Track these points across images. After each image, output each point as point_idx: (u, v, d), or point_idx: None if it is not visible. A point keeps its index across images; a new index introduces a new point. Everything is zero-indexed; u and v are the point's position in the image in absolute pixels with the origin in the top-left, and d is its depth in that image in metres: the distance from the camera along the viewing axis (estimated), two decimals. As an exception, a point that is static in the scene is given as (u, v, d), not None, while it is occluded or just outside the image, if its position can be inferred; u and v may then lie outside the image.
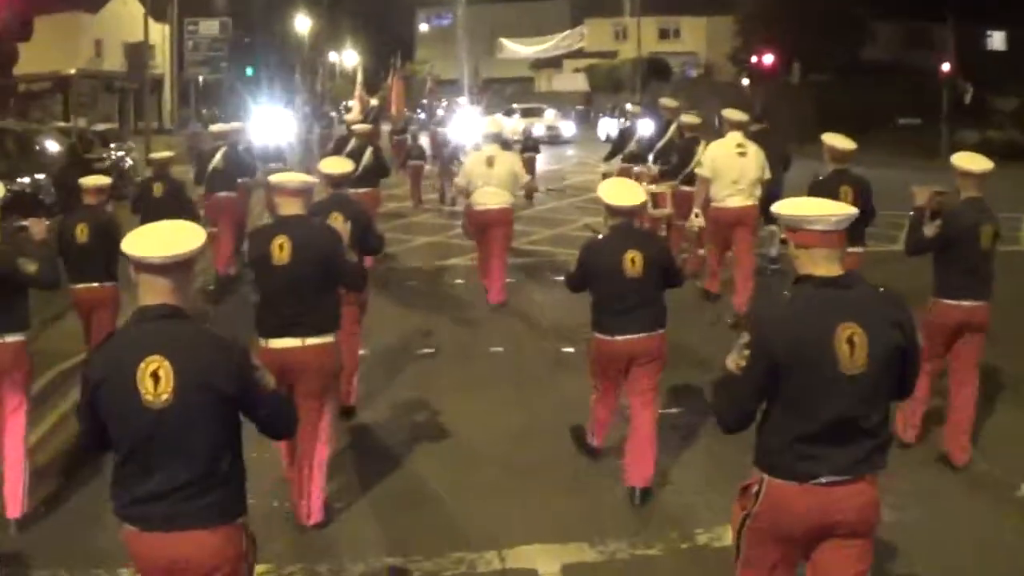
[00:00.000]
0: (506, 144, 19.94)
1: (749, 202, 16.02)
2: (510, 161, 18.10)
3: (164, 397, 5.24)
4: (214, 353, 5.41)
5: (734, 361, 5.84)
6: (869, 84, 58.50)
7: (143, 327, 5.41)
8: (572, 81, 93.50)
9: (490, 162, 17.36)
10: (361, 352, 11.88)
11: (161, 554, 5.38)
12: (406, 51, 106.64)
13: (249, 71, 68.54)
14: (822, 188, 11.59)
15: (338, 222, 9.76)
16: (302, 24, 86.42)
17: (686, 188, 18.42)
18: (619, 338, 9.56)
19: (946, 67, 51.76)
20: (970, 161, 10.02)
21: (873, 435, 5.73)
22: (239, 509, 5.60)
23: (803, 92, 58.44)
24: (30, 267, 9.02)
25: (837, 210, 5.80)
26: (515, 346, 15.06)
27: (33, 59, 66.10)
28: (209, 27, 60.99)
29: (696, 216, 16.70)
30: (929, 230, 9.97)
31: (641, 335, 9.55)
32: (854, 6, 61.33)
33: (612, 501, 9.57)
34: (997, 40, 77.57)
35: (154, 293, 5.39)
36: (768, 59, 56.34)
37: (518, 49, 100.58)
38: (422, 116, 65.23)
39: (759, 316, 6.02)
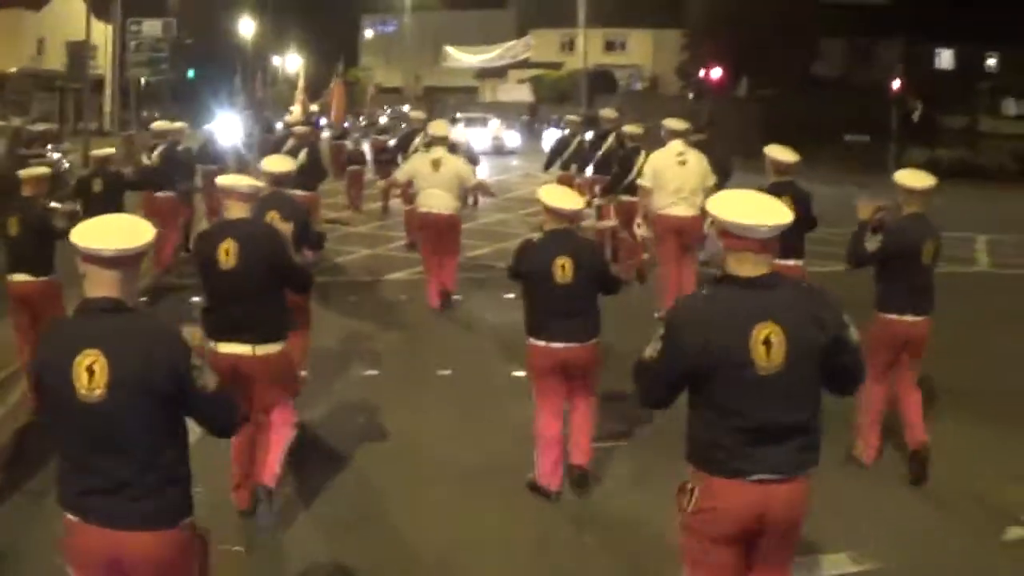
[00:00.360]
0: (452, 148, 19.31)
1: (691, 212, 15.89)
2: (456, 165, 17.86)
3: (97, 392, 5.18)
4: (153, 350, 5.32)
5: (650, 350, 5.88)
6: (817, 100, 58.59)
7: (84, 319, 5.38)
8: (517, 91, 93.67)
9: (436, 165, 17.27)
10: (302, 373, 11.24)
11: (100, 550, 5.31)
12: (350, 57, 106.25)
13: (191, 73, 68.03)
14: None
15: (276, 220, 9.71)
16: (246, 27, 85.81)
17: (627, 198, 18.41)
18: (553, 345, 9.47)
19: (896, 84, 51.92)
20: (913, 178, 10.23)
21: (801, 434, 5.76)
22: (183, 512, 5.50)
23: (750, 106, 58.58)
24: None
25: (772, 219, 5.72)
26: (463, 369, 14.24)
27: (-28, 56, 65.72)
28: (152, 27, 60.09)
29: (638, 226, 16.78)
30: (871, 244, 10.07)
31: (572, 344, 9.48)
32: (804, 21, 61.46)
33: (568, 539, 9.23)
34: (946, 58, 78.33)
35: (100, 286, 5.33)
36: (716, 73, 56.35)
37: (463, 58, 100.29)
38: (363, 123, 64.97)
39: (674, 315, 5.97)
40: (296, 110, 39.49)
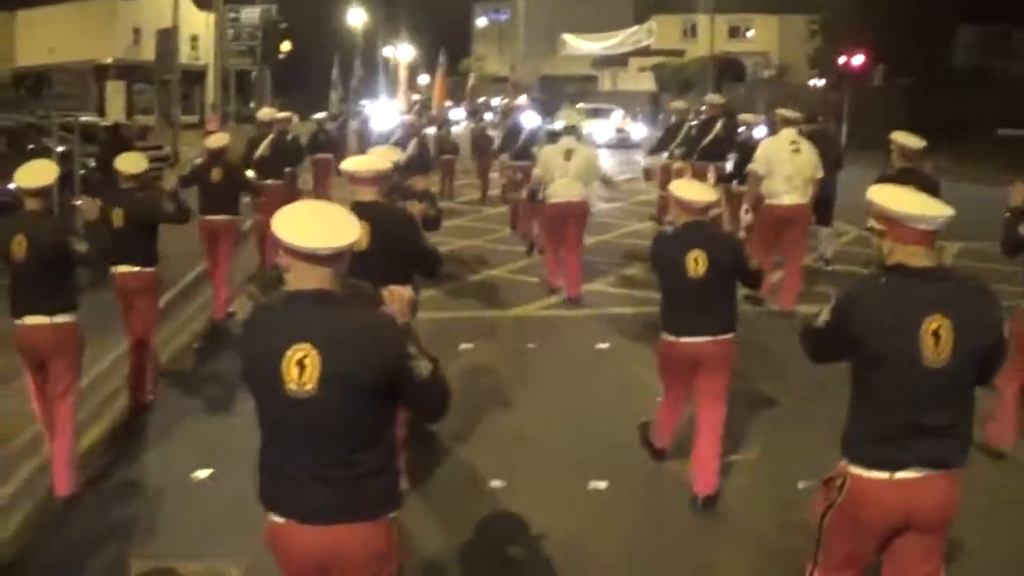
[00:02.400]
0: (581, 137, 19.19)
1: (802, 200, 16.32)
2: (587, 154, 18.06)
3: (308, 387, 5.13)
4: (367, 343, 5.23)
5: (821, 318, 6.14)
6: (961, 90, 55.02)
7: (294, 311, 5.28)
8: (638, 80, 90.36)
9: (568, 155, 17.38)
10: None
11: (313, 548, 5.32)
12: (463, 47, 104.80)
13: (285, 46, 65.26)
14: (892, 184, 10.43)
15: (410, 203, 10.27)
16: (356, 17, 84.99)
17: (736, 188, 18.92)
18: (684, 340, 9.46)
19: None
20: None
21: (955, 429, 5.85)
22: (393, 502, 5.52)
23: (891, 97, 55.19)
24: (81, 246, 9.40)
25: (941, 211, 5.85)
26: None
27: (68, 47, 64.13)
28: (250, 15, 57.79)
29: (746, 212, 17.05)
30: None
31: (705, 339, 9.40)
32: (940, 7, 57.99)
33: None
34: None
35: (309, 279, 5.26)
36: (858, 60, 52.92)
37: (582, 45, 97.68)
38: (462, 113, 62.50)
39: (850, 292, 6.11)
40: (400, 103, 38.90)
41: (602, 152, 39.69)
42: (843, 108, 50.97)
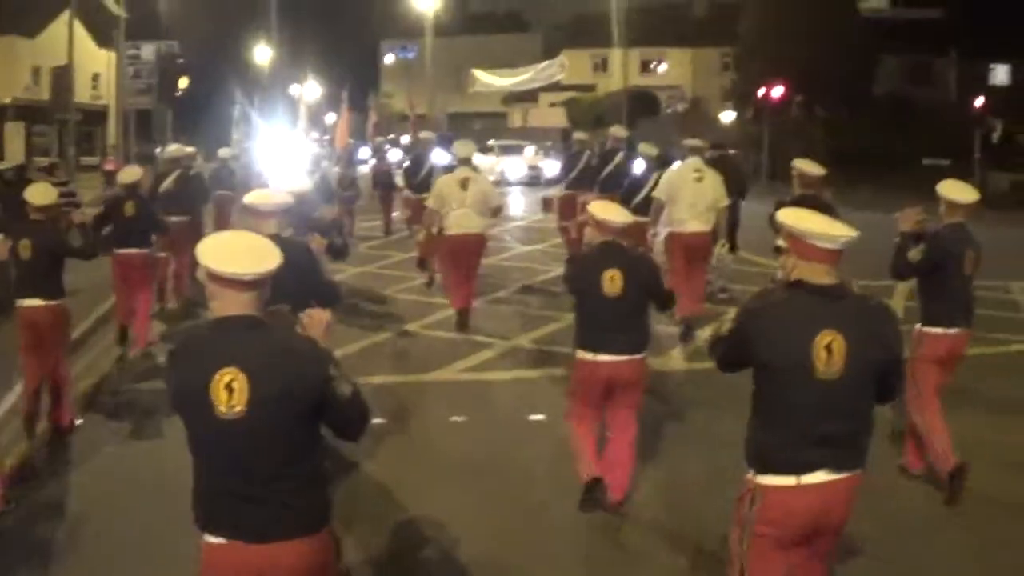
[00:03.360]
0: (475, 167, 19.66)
1: (704, 228, 17.21)
2: (483, 184, 18.60)
3: (237, 409, 5.36)
4: (293, 365, 5.49)
5: (726, 326, 6.75)
6: (879, 120, 55.53)
7: (220, 337, 5.54)
8: (549, 116, 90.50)
9: (464, 184, 17.81)
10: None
11: (250, 566, 5.47)
12: (370, 84, 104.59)
13: (182, 83, 64.56)
14: None
15: (312, 237, 10.61)
16: (262, 54, 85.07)
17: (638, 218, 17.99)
18: (601, 358, 9.72)
19: (979, 102, 48.98)
20: (957, 191, 10.47)
21: (852, 437, 6.25)
22: (325, 516, 5.76)
23: (809, 128, 55.64)
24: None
25: (843, 231, 6.24)
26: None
27: (-37, 87, 63.07)
28: (149, 52, 57.15)
29: (655, 235, 18.44)
30: (914, 254, 10.36)
31: (622, 357, 9.72)
32: (858, 38, 58.79)
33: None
34: (1001, 74, 75.65)
35: (233, 306, 5.52)
36: (777, 91, 53.09)
37: (492, 81, 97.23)
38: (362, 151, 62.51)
39: (751, 304, 6.57)
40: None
41: (515, 191, 39.84)
42: (763, 140, 51.34)
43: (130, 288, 16.36)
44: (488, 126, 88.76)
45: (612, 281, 9.53)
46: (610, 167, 22.74)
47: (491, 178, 49.80)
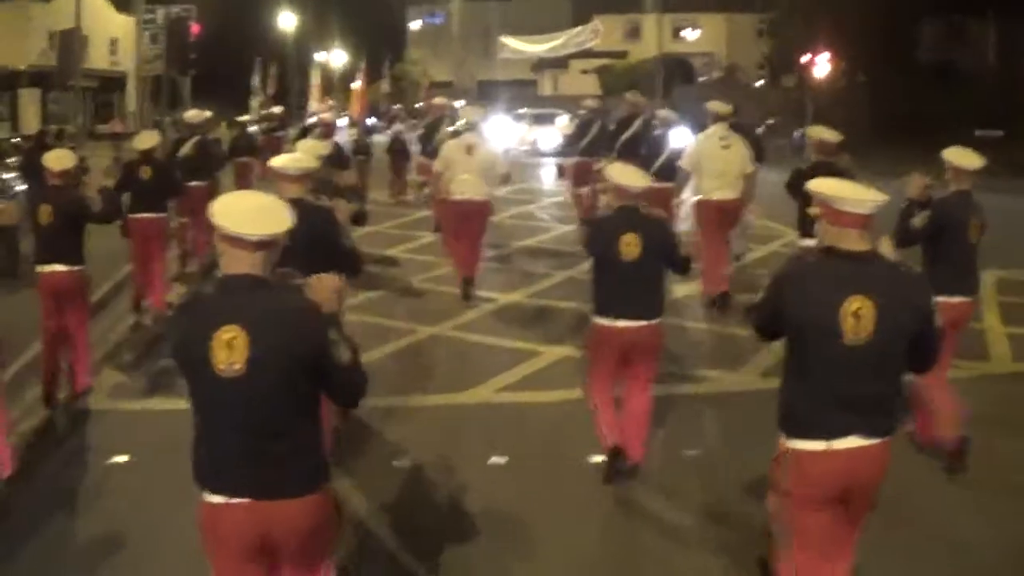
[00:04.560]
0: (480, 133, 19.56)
1: (734, 195, 17.17)
2: (489, 150, 18.59)
3: (236, 367, 5.50)
4: (293, 325, 5.64)
5: (760, 296, 6.83)
6: (923, 88, 54.55)
7: (224, 296, 5.68)
8: (581, 83, 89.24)
9: (469, 150, 17.85)
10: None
11: (248, 524, 5.67)
12: (397, 51, 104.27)
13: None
14: (805, 178, 10.81)
15: (338, 202, 10.49)
16: (287, 20, 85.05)
17: (659, 184, 17.63)
18: (619, 323, 9.86)
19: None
20: (962, 157, 10.47)
21: (881, 402, 6.46)
22: (323, 477, 5.95)
23: (852, 96, 54.72)
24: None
25: (874, 196, 6.39)
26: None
27: (-23, 53, 62.70)
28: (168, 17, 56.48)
29: (679, 204, 18.97)
30: (918, 221, 10.41)
31: (639, 323, 9.86)
32: (898, 5, 57.67)
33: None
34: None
35: (240, 264, 5.66)
36: (823, 58, 52.04)
37: (523, 48, 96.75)
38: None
39: (783, 270, 6.77)
40: (313, 105, 39.24)
41: (549, 163, 39.31)
42: (806, 109, 50.48)
43: (147, 253, 16.61)
44: (517, 94, 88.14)
45: (629, 245, 9.67)
46: (628, 133, 22.78)
47: (523, 148, 49.58)
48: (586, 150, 24.39)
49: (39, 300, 12.55)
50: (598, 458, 10.45)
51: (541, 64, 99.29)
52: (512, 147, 53.36)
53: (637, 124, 22.70)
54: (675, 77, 72.81)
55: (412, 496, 10.21)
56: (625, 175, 9.95)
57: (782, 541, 6.87)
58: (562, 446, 11.21)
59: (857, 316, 6.22)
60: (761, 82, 73.75)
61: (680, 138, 21.61)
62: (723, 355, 14.19)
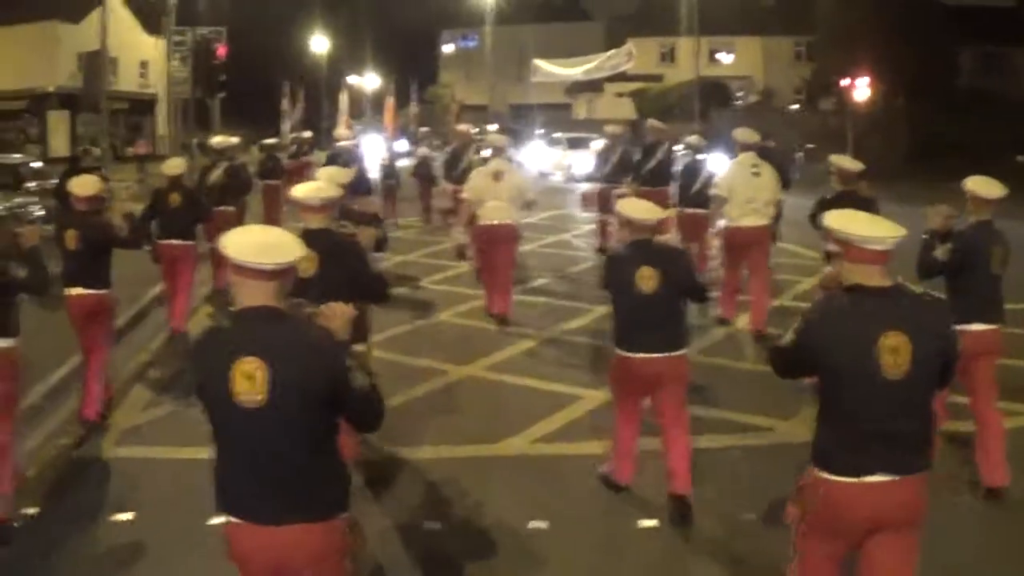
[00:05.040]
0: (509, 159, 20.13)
1: (763, 222, 17.39)
2: (517, 177, 18.85)
3: (258, 398, 5.67)
4: (312, 355, 5.79)
5: (787, 338, 6.75)
6: (962, 114, 54.28)
7: (242, 327, 5.88)
8: (616, 107, 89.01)
9: (497, 176, 18.01)
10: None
11: (265, 548, 5.87)
12: (429, 74, 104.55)
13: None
14: (828, 208, 11.43)
15: (361, 229, 10.60)
16: (319, 44, 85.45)
17: (692, 211, 19.57)
18: (638, 356, 9.97)
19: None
20: (984, 186, 10.50)
21: (916, 436, 6.48)
22: (340, 506, 6.08)
23: (893, 121, 54.44)
24: (20, 272, 9.92)
25: (892, 232, 6.45)
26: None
27: (4, 74, 62.89)
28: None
29: (716, 235, 18.72)
30: (941, 253, 10.47)
31: (660, 355, 9.93)
32: (934, 28, 57.62)
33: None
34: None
35: (255, 296, 5.86)
36: (863, 83, 51.76)
37: (556, 71, 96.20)
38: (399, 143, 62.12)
39: (813, 312, 6.69)
40: (340, 131, 40.19)
41: (583, 187, 39.18)
42: (846, 134, 50.15)
43: (175, 277, 17.05)
44: (552, 118, 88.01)
45: (646, 278, 9.80)
46: (652, 162, 23.46)
47: (557, 175, 49.48)
48: (609, 177, 25.04)
49: (69, 323, 12.87)
50: (650, 522, 9.99)
51: (575, 88, 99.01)
52: (547, 172, 53.39)
53: (661, 151, 23.44)
54: (712, 101, 72.56)
55: (440, 565, 9.46)
56: (636, 209, 10.09)
57: (793, 559, 6.87)
58: (609, 507, 10.47)
59: (895, 351, 6.26)
60: (796, 106, 73.45)
61: (716, 164, 21.69)
62: (774, 401, 13.16)
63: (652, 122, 25.68)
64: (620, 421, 10.53)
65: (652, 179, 22.86)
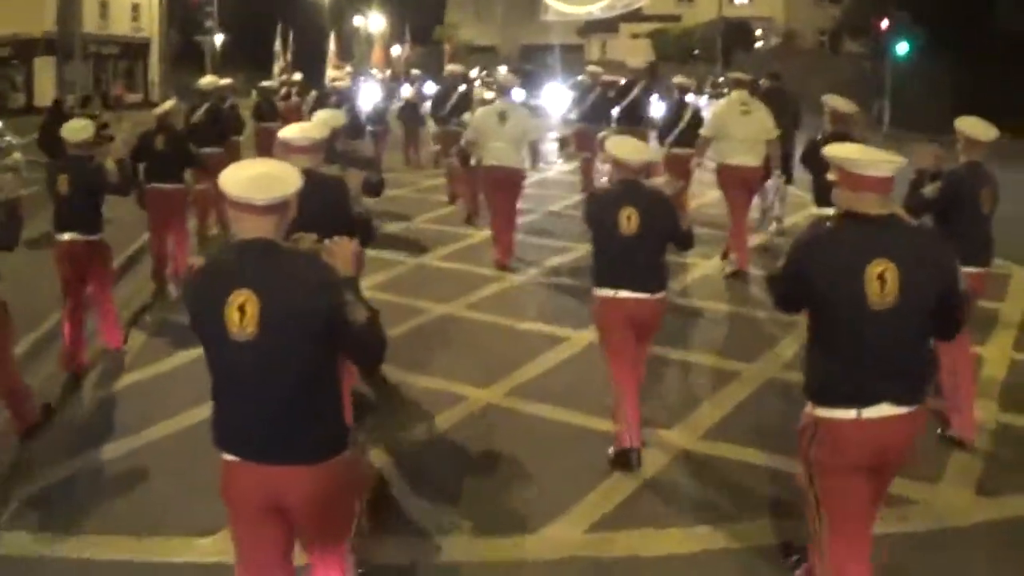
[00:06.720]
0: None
1: (755, 162, 17.99)
2: (522, 116, 18.94)
3: (249, 330, 5.74)
4: (305, 287, 5.84)
5: (779, 265, 7.05)
6: (1006, 64, 53.46)
7: (235, 259, 5.96)
8: (632, 49, 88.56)
9: (502, 117, 18.26)
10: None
11: (260, 487, 5.97)
12: (436, 14, 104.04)
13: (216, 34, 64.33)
14: (820, 148, 10.67)
15: (349, 171, 10.77)
16: None
17: (678, 151, 20.44)
18: (621, 295, 10.09)
19: None
20: (977, 127, 10.71)
21: (909, 370, 6.65)
22: (338, 446, 6.14)
23: (928, 68, 53.82)
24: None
25: (892, 159, 6.59)
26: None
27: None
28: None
29: (698, 165, 19.77)
30: (929, 191, 10.73)
31: (640, 295, 10.09)
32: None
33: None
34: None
35: (252, 230, 5.91)
36: (902, 23, 50.81)
37: (566, 9, 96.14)
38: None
39: (801, 238, 7.00)
40: (329, 73, 43.21)
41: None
42: (884, 81, 49.47)
43: (165, 224, 17.15)
44: (563, 59, 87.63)
45: (629, 220, 9.94)
46: (626, 101, 23.88)
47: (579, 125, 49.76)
48: (586, 116, 25.61)
49: (57, 268, 13.27)
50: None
51: (589, 27, 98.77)
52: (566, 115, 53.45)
53: (635, 92, 23.86)
54: (735, 42, 72.30)
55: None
56: (624, 148, 10.22)
57: (810, 515, 6.99)
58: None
59: (882, 280, 6.40)
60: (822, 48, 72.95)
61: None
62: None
63: (630, 59, 27.49)
64: (615, 366, 10.33)
65: (623, 120, 23.44)
